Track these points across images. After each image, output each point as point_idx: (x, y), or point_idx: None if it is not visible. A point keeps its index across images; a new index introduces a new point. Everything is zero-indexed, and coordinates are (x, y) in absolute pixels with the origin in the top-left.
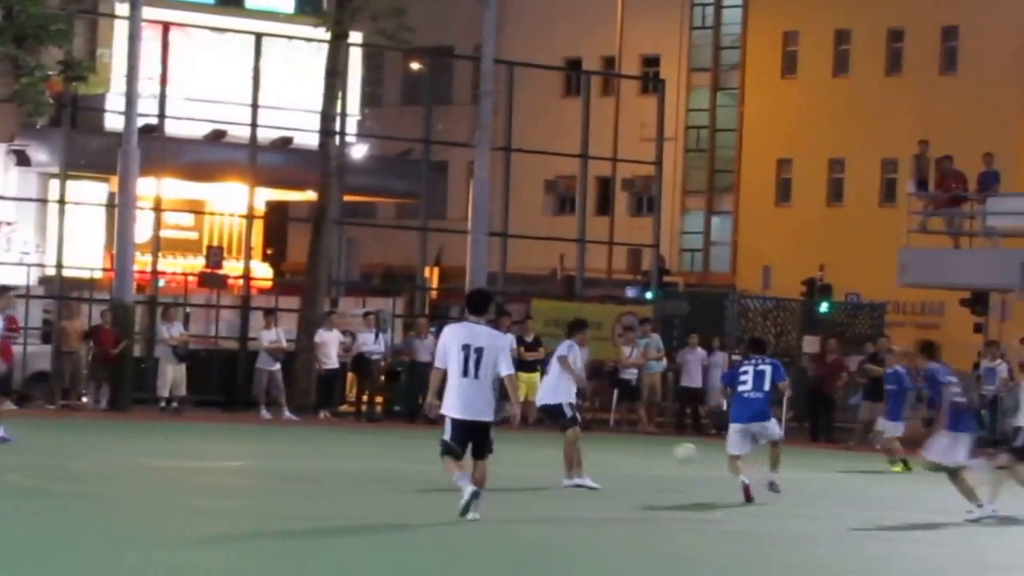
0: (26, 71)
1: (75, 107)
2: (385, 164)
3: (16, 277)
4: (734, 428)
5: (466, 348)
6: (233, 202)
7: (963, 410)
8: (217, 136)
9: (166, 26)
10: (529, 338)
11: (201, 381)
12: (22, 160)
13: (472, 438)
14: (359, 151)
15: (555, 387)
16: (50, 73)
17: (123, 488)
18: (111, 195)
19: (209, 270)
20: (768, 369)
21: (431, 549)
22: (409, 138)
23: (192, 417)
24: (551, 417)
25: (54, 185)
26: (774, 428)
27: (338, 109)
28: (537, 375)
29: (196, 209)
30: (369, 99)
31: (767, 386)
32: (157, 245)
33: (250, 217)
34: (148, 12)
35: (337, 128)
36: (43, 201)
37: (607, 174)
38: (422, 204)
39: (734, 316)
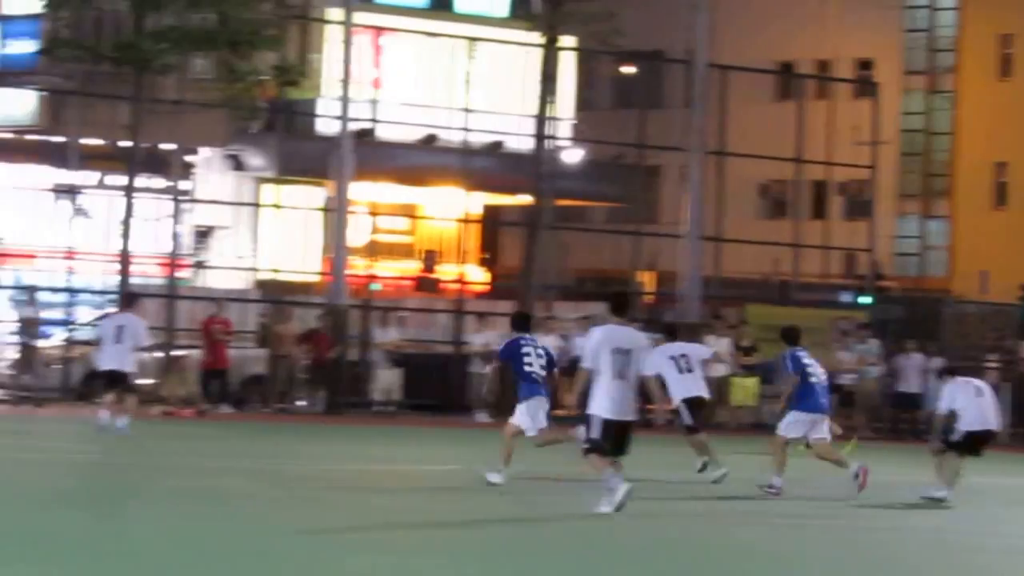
0: (239, 76)
1: (288, 112)
2: (597, 168)
3: (231, 281)
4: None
5: (616, 351)
6: (446, 206)
7: None
8: (429, 140)
9: (378, 31)
10: (745, 343)
11: (415, 385)
12: (236, 165)
13: (619, 437)
14: (571, 155)
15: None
16: (263, 78)
17: (339, 491)
18: (325, 199)
19: (424, 274)
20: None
21: (637, 545)
22: (621, 142)
23: (406, 421)
24: None
25: (267, 190)
26: None
27: (550, 113)
28: (754, 380)
29: (410, 213)
30: (581, 103)
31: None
32: (372, 249)
33: (464, 221)
34: (360, 17)
35: (549, 132)
36: (257, 206)
37: (821, 178)
38: (634, 208)
39: (950, 321)
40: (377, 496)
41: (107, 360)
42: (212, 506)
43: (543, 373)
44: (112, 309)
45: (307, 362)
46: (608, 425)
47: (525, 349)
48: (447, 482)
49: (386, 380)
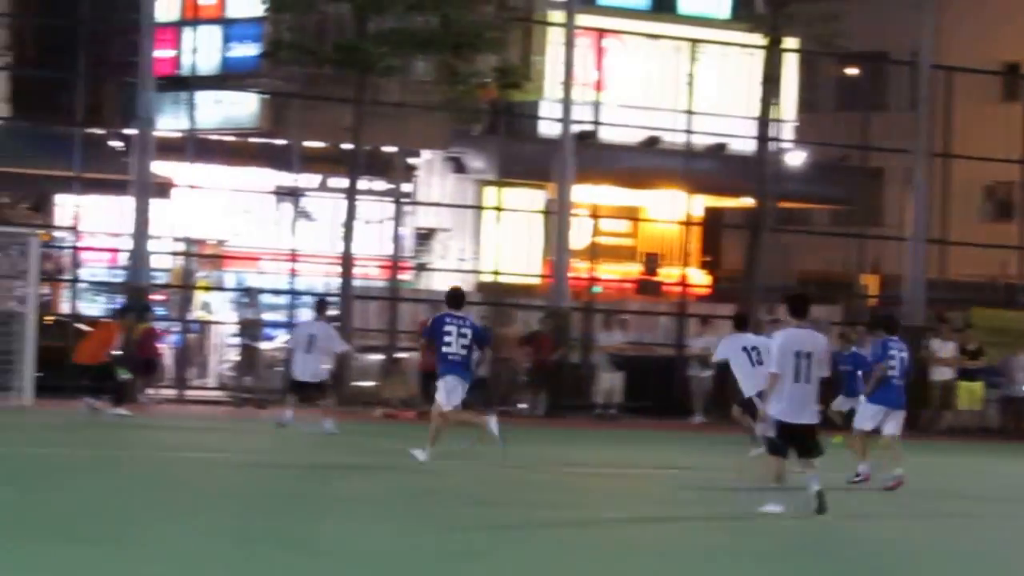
0: (461, 79)
1: (509, 114)
2: (820, 171)
3: (452, 283)
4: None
5: (799, 355)
6: (668, 208)
7: None
8: (651, 143)
9: (600, 33)
10: (971, 347)
11: (637, 388)
12: (458, 167)
13: (800, 440)
14: (794, 158)
15: None
16: (485, 81)
17: (562, 496)
18: (547, 202)
19: (645, 277)
20: (907, 356)
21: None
22: (844, 144)
23: (626, 424)
24: None
25: (489, 192)
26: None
27: (773, 115)
28: (979, 384)
29: (632, 215)
30: (804, 105)
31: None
32: (594, 251)
33: (686, 224)
34: (582, 19)
35: (772, 134)
36: (479, 208)
37: None
38: (857, 211)
39: None
40: (593, 500)
41: (299, 370)
42: (435, 508)
43: (463, 352)
44: (306, 315)
45: (528, 365)
46: (784, 428)
47: (448, 328)
48: (687, 484)
49: (608, 383)
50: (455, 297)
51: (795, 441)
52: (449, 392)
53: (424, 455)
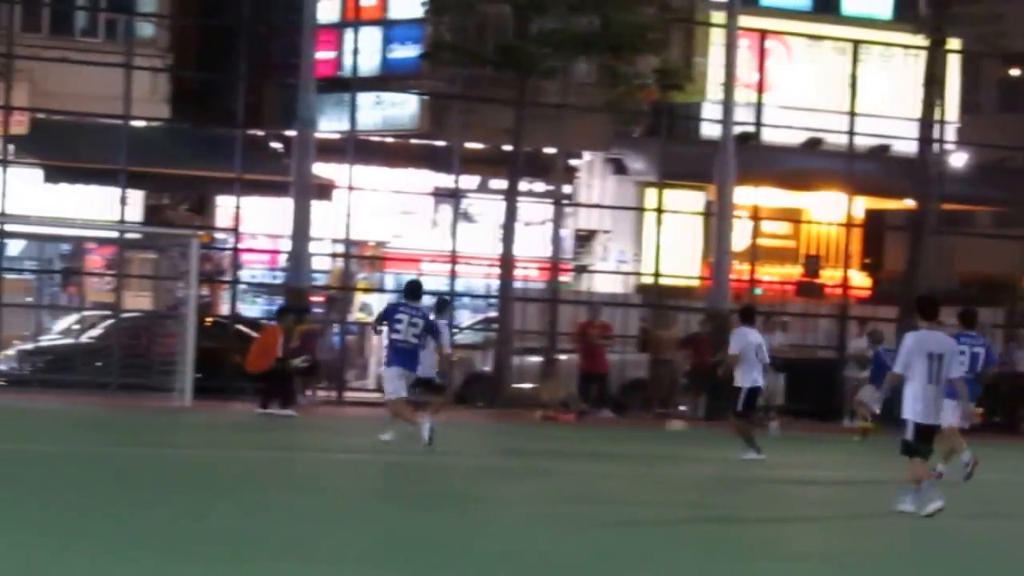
0: (621, 80)
1: (671, 116)
2: (983, 172)
3: (613, 285)
4: None
5: (931, 356)
6: (829, 210)
7: None
8: (813, 144)
9: (762, 34)
10: None
11: (797, 390)
12: (618, 169)
13: (931, 440)
14: (957, 159)
15: None
16: (646, 81)
17: (744, 501)
18: (707, 203)
19: (806, 279)
20: (981, 352)
21: None
22: (1008, 146)
23: (786, 427)
24: None
25: (650, 193)
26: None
27: (936, 117)
28: None
29: (793, 217)
30: (966, 106)
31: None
32: (754, 253)
33: (847, 226)
34: (744, 20)
35: (935, 136)
36: (640, 210)
37: None
38: (1021, 213)
39: None
40: (763, 506)
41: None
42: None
43: (412, 342)
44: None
45: (688, 367)
46: (919, 428)
47: (399, 316)
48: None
49: (769, 385)
50: (413, 288)
51: (931, 441)
52: (390, 382)
53: (390, 436)
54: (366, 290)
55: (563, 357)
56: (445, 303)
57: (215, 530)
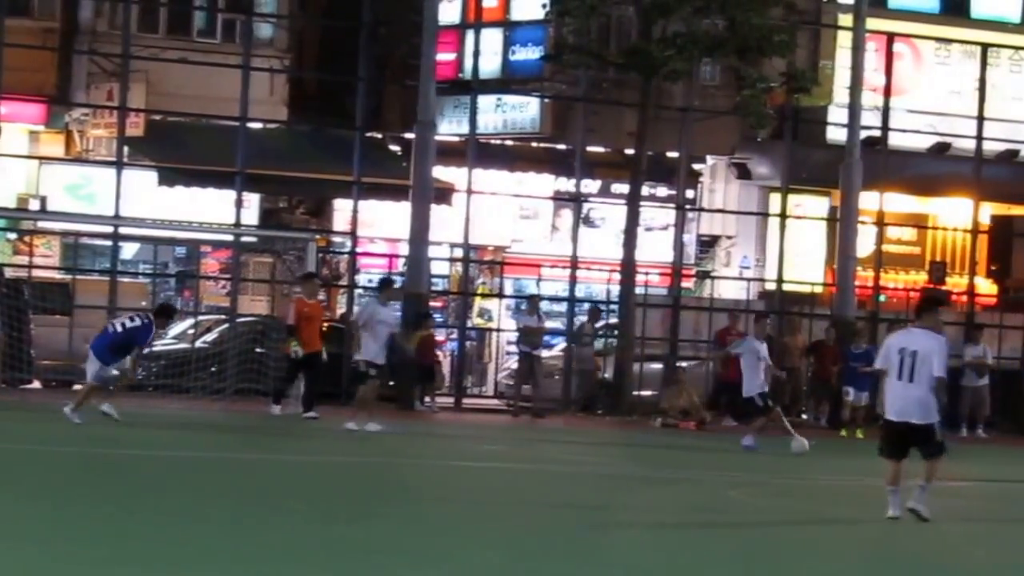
0: (748, 83)
1: (796, 119)
2: None
3: (736, 292)
4: None
5: (902, 351)
6: (956, 216)
7: None
8: (941, 149)
9: (890, 37)
10: None
11: None
12: (743, 173)
13: (907, 440)
14: None
15: None
16: (772, 85)
17: (850, 507)
18: (832, 209)
19: (932, 285)
20: None
21: None
22: None
23: None
24: None
25: (774, 199)
26: None
27: None
28: None
29: (919, 223)
30: None
31: None
32: (879, 260)
33: (975, 232)
34: (871, 23)
35: None
36: (764, 215)
37: None
38: None
39: None
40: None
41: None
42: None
43: None
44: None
45: (811, 374)
46: (887, 425)
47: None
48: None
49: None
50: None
51: (902, 440)
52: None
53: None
54: (485, 295)
55: (684, 364)
56: (388, 282)
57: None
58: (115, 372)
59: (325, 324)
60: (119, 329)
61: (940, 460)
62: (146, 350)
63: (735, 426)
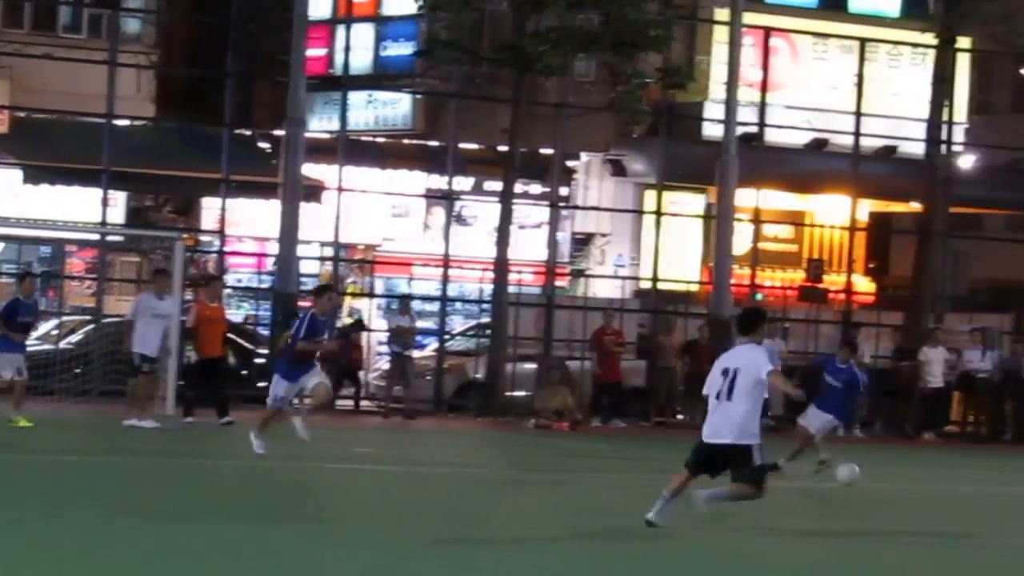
0: (623, 79)
1: (672, 116)
2: (994, 174)
3: (611, 290)
4: None
5: (725, 372)
6: (834, 213)
7: None
8: (818, 145)
9: (766, 32)
10: None
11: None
12: (618, 170)
13: (715, 461)
14: (967, 161)
15: None
16: (648, 80)
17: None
18: (709, 206)
19: (809, 284)
20: None
21: None
22: (1021, 147)
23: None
24: None
25: (650, 196)
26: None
27: (945, 117)
28: None
29: (796, 221)
30: (977, 107)
31: None
32: (756, 257)
33: (852, 229)
34: (748, 17)
35: (944, 137)
36: (639, 212)
37: None
38: None
39: None
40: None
41: None
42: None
43: None
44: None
45: (687, 374)
46: (699, 445)
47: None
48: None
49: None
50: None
51: (710, 460)
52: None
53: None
54: (356, 295)
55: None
56: (324, 289)
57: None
58: None
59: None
60: None
61: (750, 487)
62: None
63: (624, 427)
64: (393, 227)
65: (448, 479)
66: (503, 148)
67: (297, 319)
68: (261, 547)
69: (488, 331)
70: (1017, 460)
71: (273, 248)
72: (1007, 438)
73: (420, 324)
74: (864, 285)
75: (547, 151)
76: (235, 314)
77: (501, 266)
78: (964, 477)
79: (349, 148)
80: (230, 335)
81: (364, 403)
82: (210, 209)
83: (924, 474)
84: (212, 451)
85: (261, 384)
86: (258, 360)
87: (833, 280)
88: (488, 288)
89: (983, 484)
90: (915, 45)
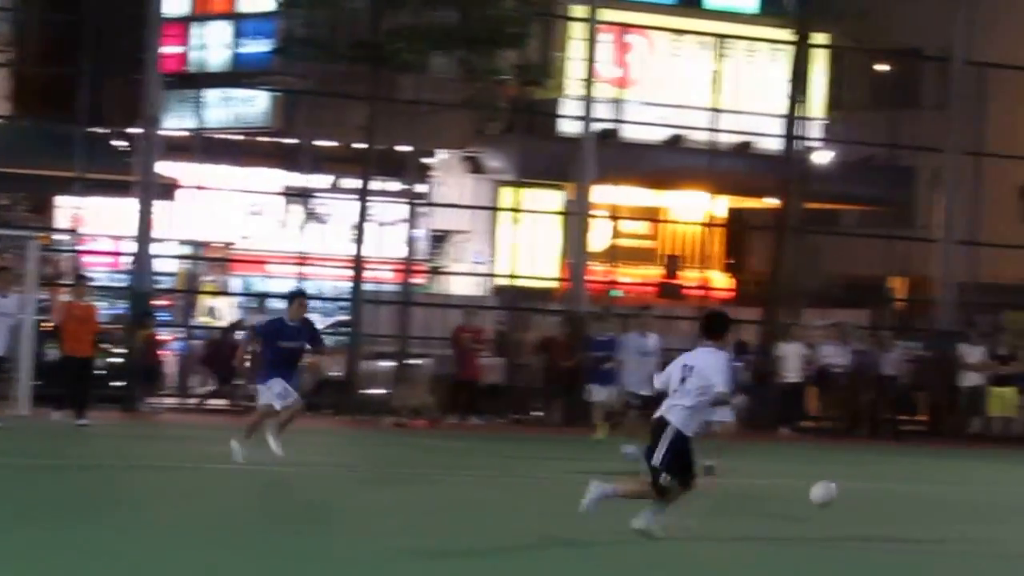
0: (479, 76)
1: (529, 112)
2: (849, 170)
3: (469, 287)
4: None
5: (684, 368)
6: (692, 210)
7: None
8: (675, 141)
9: (623, 28)
10: (1002, 351)
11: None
12: (475, 168)
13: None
14: (822, 157)
15: None
16: (504, 78)
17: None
18: (569, 203)
19: (666, 280)
20: None
21: None
22: (874, 143)
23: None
24: None
25: (507, 193)
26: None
27: (801, 113)
28: (1011, 390)
29: (653, 217)
30: (833, 103)
31: None
32: (613, 254)
33: (709, 225)
34: (605, 14)
35: (799, 133)
36: (496, 209)
37: None
38: (887, 212)
39: None
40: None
41: None
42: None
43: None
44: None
45: (544, 371)
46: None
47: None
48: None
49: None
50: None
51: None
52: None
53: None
54: (212, 293)
55: (416, 362)
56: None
57: None
58: None
59: (49, 325)
60: None
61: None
62: None
63: (481, 425)
64: (250, 225)
65: (307, 479)
66: (360, 145)
67: (151, 317)
68: (104, 547)
69: (346, 329)
70: (871, 454)
71: (129, 247)
72: (862, 432)
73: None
74: (722, 281)
75: (405, 148)
76: None
77: (358, 264)
78: (817, 473)
79: (205, 146)
80: None
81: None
82: (65, 208)
83: (780, 469)
84: (57, 451)
85: (115, 384)
86: (113, 360)
87: (691, 276)
88: (347, 285)
89: (840, 480)
90: (772, 41)
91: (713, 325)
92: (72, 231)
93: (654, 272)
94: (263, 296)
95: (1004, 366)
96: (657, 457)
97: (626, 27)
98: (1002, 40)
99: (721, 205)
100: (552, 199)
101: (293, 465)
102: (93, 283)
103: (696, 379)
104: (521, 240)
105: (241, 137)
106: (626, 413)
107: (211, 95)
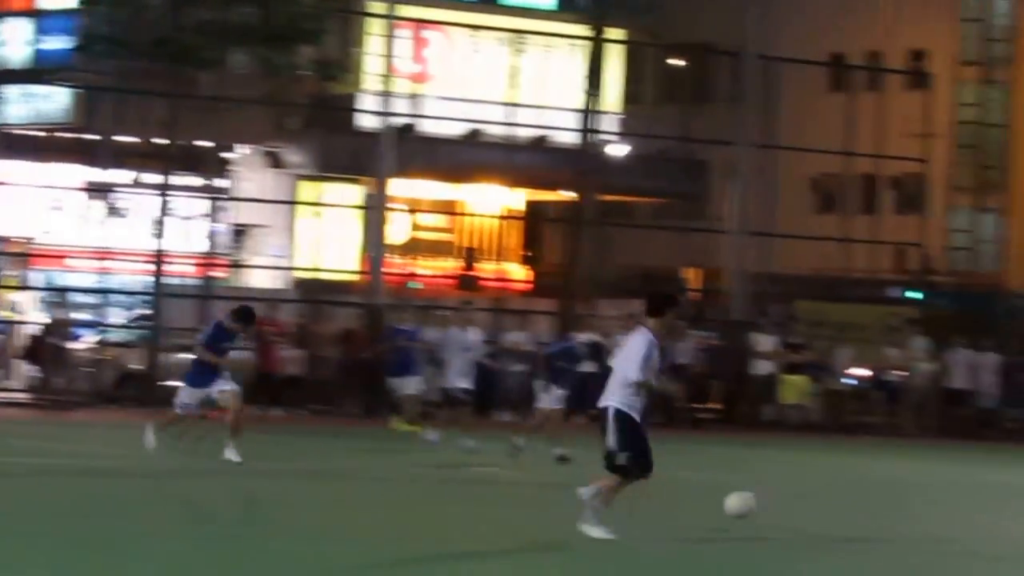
0: (278, 71)
1: (328, 108)
2: (643, 163)
3: (270, 280)
4: None
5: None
6: (489, 203)
7: None
8: (472, 136)
9: (421, 24)
10: (793, 340)
11: None
12: (275, 162)
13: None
14: (617, 150)
15: None
16: (302, 73)
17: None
18: (368, 196)
19: (464, 272)
20: None
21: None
22: (668, 136)
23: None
24: None
25: (306, 187)
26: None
27: (596, 107)
28: (803, 378)
29: (451, 210)
30: (628, 97)
31: None
32: (412, 247)
33: (506, 218)
34: (402, 10)
35: (595, 127)
36: (295, 203)
37: (872, 172)
38: (681, 204)
39: (1004, 316)
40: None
41: None
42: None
43: None
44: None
45: (343, 363)
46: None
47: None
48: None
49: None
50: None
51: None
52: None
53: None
54: (13, 287)
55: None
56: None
57: None
58: None
59: None
60: None
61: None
62: None
63: (282, 416)
64: (50, 220)
65: (108, 473)
66: (161, 141)
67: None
68: None
69: (148, 322)
70: (670, 443)
71: None
72: (659, 420)
73: (80, 316)
74: (519, 273)
75: (205, 144)
76: None
77: (159, 258)
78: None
79: (5, 141)
80: None
81: (21, 395)
82: None
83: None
84: None
85: None
86: None
87: (488, 268)
88: (148, 279)
89: None
90: (568, 37)
91: (650, 304)
92: None
93: (452, 264)
94: (64, 291)
95: (795, 354)
96: (611, 440)
97: (424, 23)
98: (793, 35)
99: (518, 198)
100: (351, 193)
101: (97, 458)
102: None
103: (619, 362)
104: (322, 233)
105: (42, 133)
106: (441, 407)
107: (11, 91)
